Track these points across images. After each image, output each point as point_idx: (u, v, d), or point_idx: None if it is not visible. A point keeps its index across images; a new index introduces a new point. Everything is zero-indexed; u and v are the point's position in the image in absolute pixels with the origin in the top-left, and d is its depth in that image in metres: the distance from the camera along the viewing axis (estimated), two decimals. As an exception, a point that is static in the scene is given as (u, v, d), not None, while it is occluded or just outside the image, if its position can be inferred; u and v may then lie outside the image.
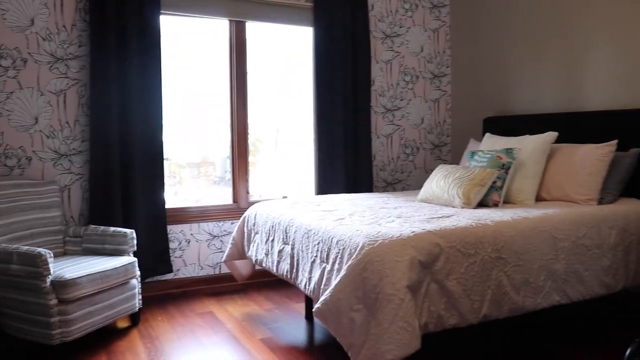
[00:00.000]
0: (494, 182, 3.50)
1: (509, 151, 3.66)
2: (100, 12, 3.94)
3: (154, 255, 4.20)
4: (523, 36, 4.63)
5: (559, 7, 4.31)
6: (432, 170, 5.42)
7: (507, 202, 3.61)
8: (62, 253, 3.70)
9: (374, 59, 5.13)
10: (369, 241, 2.46)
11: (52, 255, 3.06)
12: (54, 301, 3.02)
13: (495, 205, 3.47)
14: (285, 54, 5.09)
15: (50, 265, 3.03)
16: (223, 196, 4.82)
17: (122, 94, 4.03)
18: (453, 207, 3.41)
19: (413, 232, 2.56)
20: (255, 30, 4.80)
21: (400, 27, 5.25)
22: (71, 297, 3.06)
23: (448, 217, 2.99)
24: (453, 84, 5.50)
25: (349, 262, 2.45)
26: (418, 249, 2.45)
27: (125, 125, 4.04)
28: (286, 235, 3.18)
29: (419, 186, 5.37)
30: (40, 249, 3.02)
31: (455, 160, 5.47)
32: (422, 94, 5.41)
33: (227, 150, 4.83)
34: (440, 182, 3.61)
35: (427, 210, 3.28)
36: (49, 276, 3.03)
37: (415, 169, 5.43)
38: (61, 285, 3.03)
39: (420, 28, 5.35)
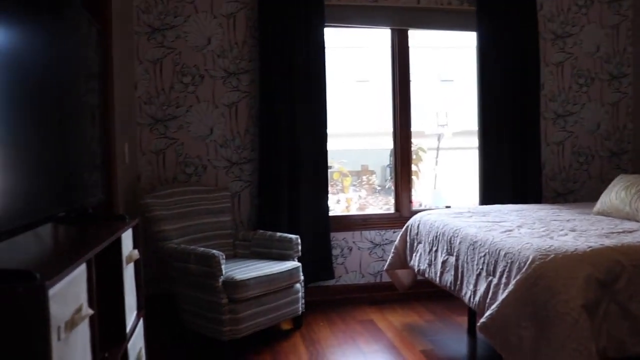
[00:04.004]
0: (687, 194, 3.12)
1: None
2: (269, 29, 4.15)
3: (317, 261, 4.30)
4: None
5: None
6: (609, 181, 4.96)
7: None
8: (232, 255, 3.94)
9: (543, 62, 4.83)
10: (540, 255, 2.31)
11: (224, 257, 3.27)
12: (225, 300, 3.23)
13: (689, 219, 3.09)
14: (446, 60, 4.99)
15: (223, 267, 3.23)
16: (383, 204, 4.82)
17: (288, 104, 4.20)
18: (636, 221, 3.09)
19: (589, 247, 2.36)
20: (416, 36, 4.75)
21: (573, 25, 4.90)
22: (240, 297, 3.24)
23: (630, 232, 2.72)
24: (635, 85, 5.00)
25: (518, 277, 2.32)
26: (595, 266, 2.25)
27: (291, 134, 4.21)
28: (450, 246, 3.10)
29: (594, 198, 4.94)
30: (214, 251, 3.25)
31: (637, 169, 4.97)
32: (599, 97, 4.99)
33: (386, 159, 4.83)
34: (620, 193, 3.30)
35: (605, 224, 3.01)
36: (221, 276, 3.24)
37: (590, 178, 5.01)
38: (232, 285, 3.23)
39: (596, 25, 4.95)
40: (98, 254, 1.67)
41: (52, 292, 1.23)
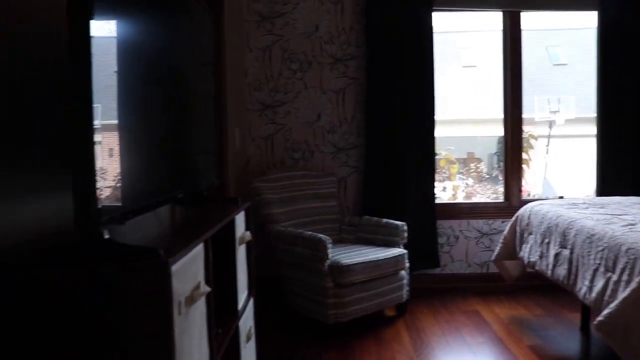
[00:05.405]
0: None
1: None
2: (376, 14, 4.13)
3: (423, 248, 4.25)
4: None
5: None
6: None
7: None
8: (338, 240, 3.97)
9: (675, 41, 4.43)
10: (669, 252, 2.14)
11: (330, 241, 3.31)
12: (330, 284, 3.28)
13: None
14: (559, 42, 4.73)
15: (329, 251, 3.28)
16: (490, 193, 4.68)
17: (396, 90, 4.17)
18: None
19: None
20: (526, 18, 4.51)
21: None
22: (346, 281, 3.28)
23: None
24: None
25: (641, 274, 2.17)
26: None
27: (399, 120, 4.17)
28: (564, 238, 2.95)
29: None
30: (321, 235, 3.30)
31: None
32: None
33: (493, 147, 4.68)
34: None
35: None
36: (328, 260, 3.29)
37: None
38: (338, 270, 3.26)
39: None
40: (213, 234, 1.75)
41: (174, 268, 1.30)
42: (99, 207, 1.27)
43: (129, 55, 1.52)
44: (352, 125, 4.31)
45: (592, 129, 4.46)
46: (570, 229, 2.91)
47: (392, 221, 3.78)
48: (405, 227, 3.75)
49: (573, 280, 2.81)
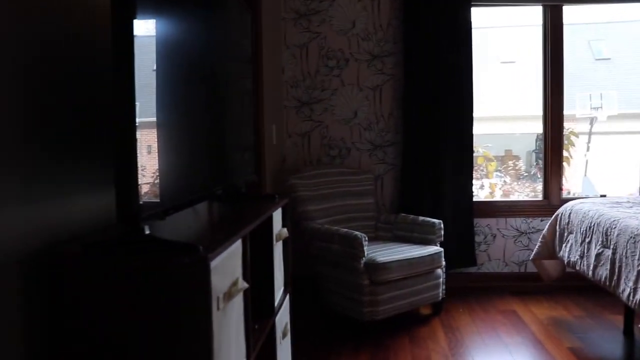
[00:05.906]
0: None
1: None
2: (414, 10, 4.10)
3: (459, 247, 4.21)
4: None
5: None
6: None
7: None
8: (374, 237, 3.96)
9: None
10: None
11: (366, 238, 3.31)
12: (366, 281, 3.27)
13: None
14: (602, 36, 4.61)
15: (365, 248, 3.28)
16: (528, 191, 4.61)
17: (433, 87, 4.13)
18: None
19: None
20: (566, 11, 4.41)
21: None
22: (381, 279, 3.27)
23: None
24: None
25: (688, 275, 2.10)
26: None
27: (436, 118, 4.14)
28: (606, 238, 2.88)
29: None
30: (357, 232, 3.30)
31: None
32: None
33: (531, 144, 4.61)
34: None
35: None
36: (363, 258, 3.28)
37: None
38: (373, 267, 3.26)
39: None
40: (251, 231, 1.76)
41: (213, 264, 1.31)
42: (140, 203, 1.29)
43: (168, 53, 1.54)
44: (389, 122, 4.30)
45: (637, 126, 4.35)
46: (613, 228, 2.84)
47: (428, 219, 3.76)
48: (442, 225, 3.72)
49: (616, 281, 2.74)
